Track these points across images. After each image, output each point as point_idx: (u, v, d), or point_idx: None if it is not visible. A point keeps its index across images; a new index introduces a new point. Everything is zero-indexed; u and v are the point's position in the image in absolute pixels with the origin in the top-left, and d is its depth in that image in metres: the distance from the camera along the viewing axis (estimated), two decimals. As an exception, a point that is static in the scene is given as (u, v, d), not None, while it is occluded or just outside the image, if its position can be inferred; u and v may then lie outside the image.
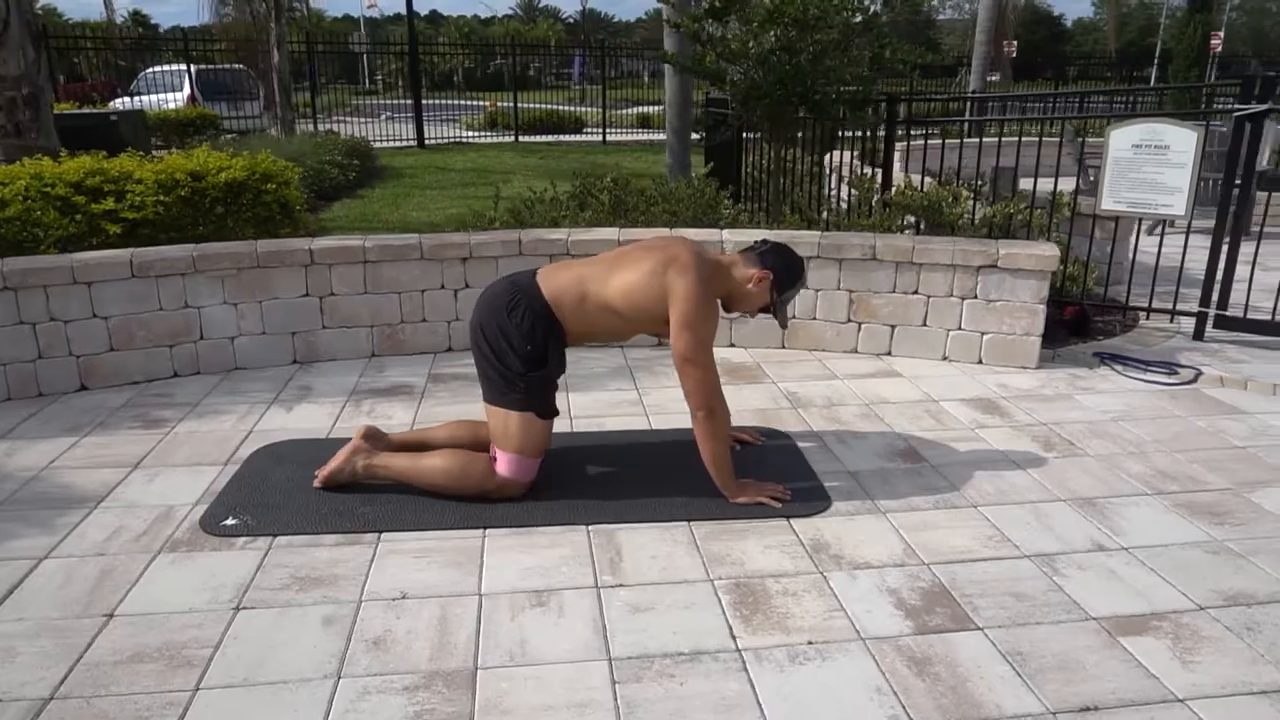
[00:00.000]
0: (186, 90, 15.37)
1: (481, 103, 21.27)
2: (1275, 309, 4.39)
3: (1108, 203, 4.66)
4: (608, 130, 17.46)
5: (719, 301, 2.80)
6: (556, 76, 37.90)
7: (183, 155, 4.67)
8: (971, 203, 4.92)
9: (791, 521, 2.67)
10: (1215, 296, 4.46)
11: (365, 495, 2.78)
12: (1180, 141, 4.38)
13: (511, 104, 18.20)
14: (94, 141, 9.47)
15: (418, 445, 2.94)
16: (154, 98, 15.09)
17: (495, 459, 2.74)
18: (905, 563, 2.45)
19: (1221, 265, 4.41)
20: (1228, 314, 4.46)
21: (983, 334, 4.09)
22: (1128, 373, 4.00)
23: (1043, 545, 2.54)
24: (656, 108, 20.65)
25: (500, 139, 17.14)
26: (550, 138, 17.35)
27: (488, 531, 2.60)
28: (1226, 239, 4.40)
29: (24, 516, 2.67)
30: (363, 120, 17.77)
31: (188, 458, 3.10)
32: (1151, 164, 4.47)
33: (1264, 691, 1.94)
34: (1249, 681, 1.97)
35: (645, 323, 2.77)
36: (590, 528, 2.62)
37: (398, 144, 15.33)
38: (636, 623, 2.17)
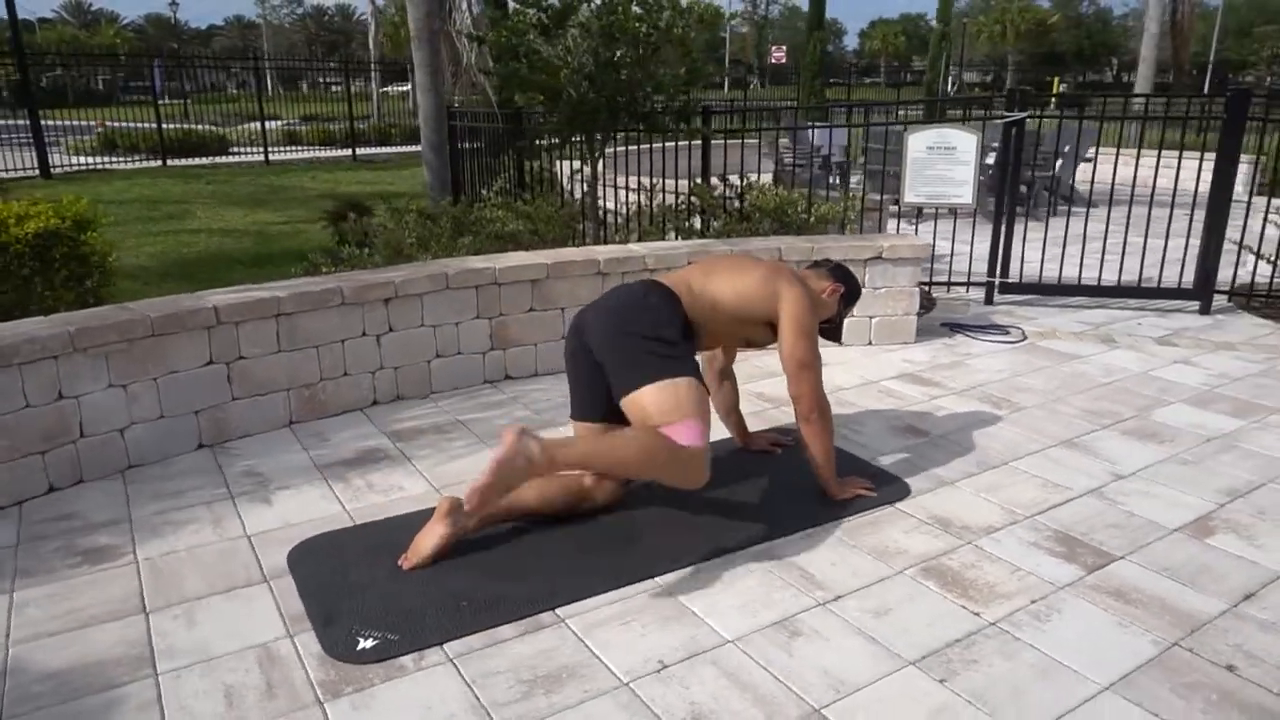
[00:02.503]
0: None
1: (82, 122, 18.01)
2: (1041, 273, 5.53)
3: (910, 196, 5.49)
4: (269, 150, 15.84)
5: None
6: (125, 89, 33.26)
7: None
8: (804, 203, 5.48)
9: (897, 507, 2.88)
10: (999, 268, 5.50)
11: (493, 575, 2.44)
12: (965, 143, 5.31)
13: (130, 124, 15.69)
14: None
15: (507, 511, 2.64)
16: None
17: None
18: (1016, 519, 2.79)
19: (1002, 243, 5.44)
20: (1009, 281, 5.52)
21: (871, 318, 4.63)
22: (978, 337, 4.79)
23: (1083, 483, 3.04)
24: (280, 122, 19.13)
25: (140, 164, 14.68)
26: (203, 160, 15.29)
27: (659, 581, 2.44)
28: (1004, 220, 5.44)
29: (68, 715, 1.94)
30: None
31: (206, 585, 2.44)
32: (943, 162, 5.36)
33: (1318, 553, 2.59)
34: (1305, 549, 2.61)
35: (747, 324, 2.81)
36: (748, 551, 2.59)
37: (14, 175, 12.42)
38: (892, 626, 2.23)
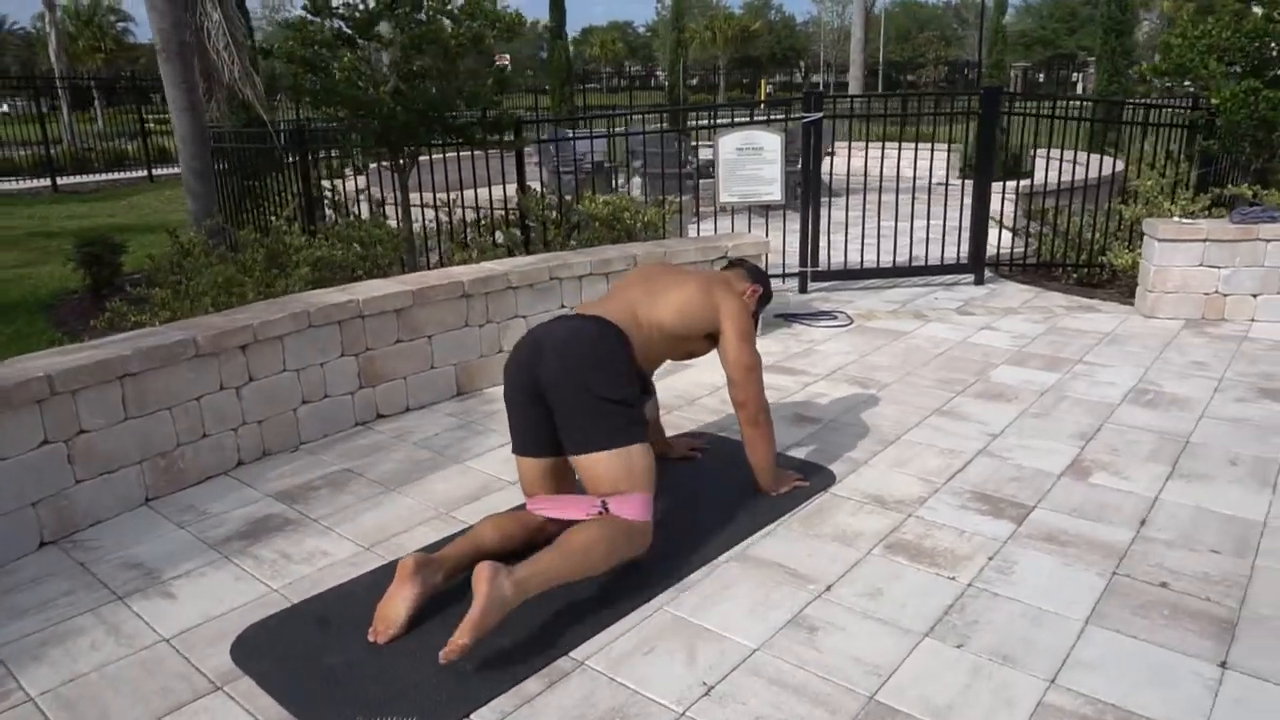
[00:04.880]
0: None
1: None
2: (846, 260, 6.03)
3: (724, 197, 5.78)
4: None
5: None
6: None
7: None
8: (632, 208, 5.55)
9: (831, 492, 3.02)
10: (809, 258, 5.92)
11: (507, 634, 2.25)
12: (770, 144, 5.68)
13: None
14: None
15: (471, 559, 2.44)
16: None
17: (611, 510, 2.42)
18: (935, 487, 3.04)
19: (810, 234, 5.86)
20: (819, 269, 5.97)
21: (722, 316, 4.80)
22: (813, 324, 5.14)
23: (970, 446, 3.37)
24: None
25: None
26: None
27: (657, 601, 2.39)
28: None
29: None
30: None
31: (146, 707, 2.02)
32: (752, 163, 5.69)
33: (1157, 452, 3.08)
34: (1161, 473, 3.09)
35: (690, 341, 2.84)
36: (723, 557, 2.60)
37: None
38: (891, 604, 2.35)
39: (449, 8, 5.08)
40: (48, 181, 13.96)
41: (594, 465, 2.46)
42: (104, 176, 15.74)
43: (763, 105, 9.41)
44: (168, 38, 6.53)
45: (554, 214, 5.75)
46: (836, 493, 3.02)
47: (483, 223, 6.02)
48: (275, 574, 2.59)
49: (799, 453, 3.35)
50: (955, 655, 2.14)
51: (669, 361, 3.81)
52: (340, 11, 4.96)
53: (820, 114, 5.66)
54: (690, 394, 4.04)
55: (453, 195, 5.98)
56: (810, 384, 4.13)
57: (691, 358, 3.05)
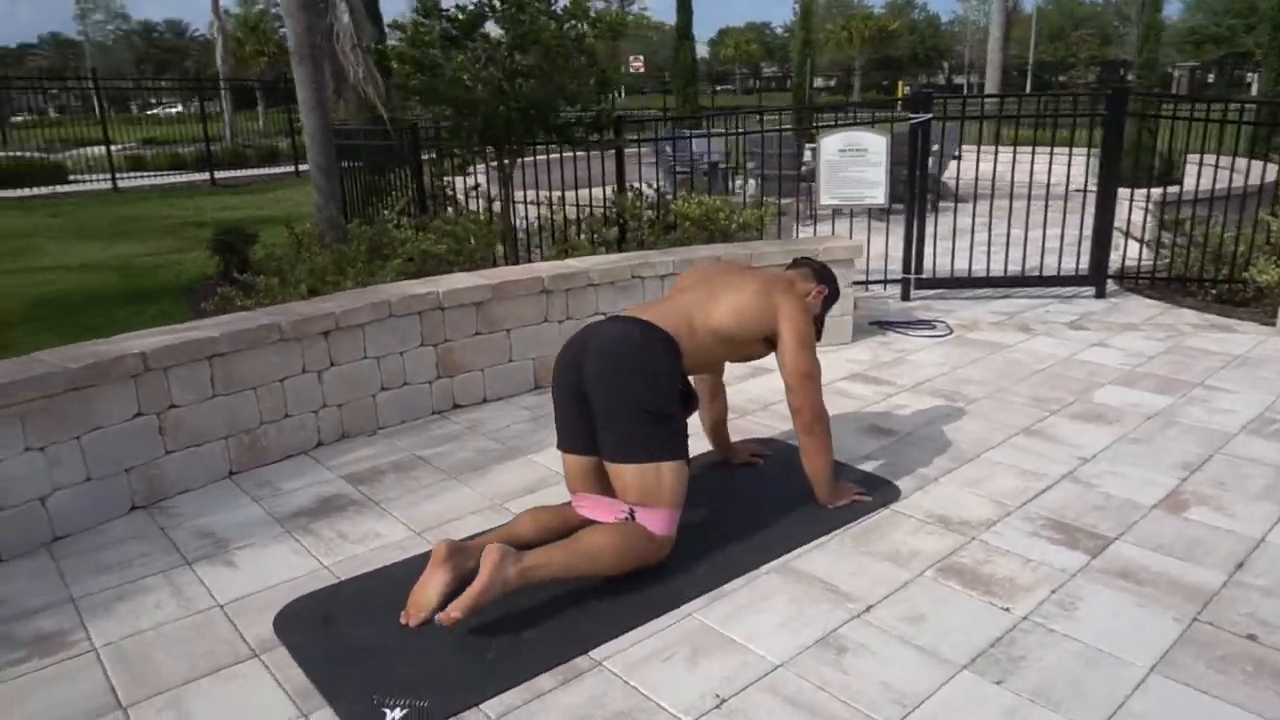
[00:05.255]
0: None
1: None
2: (953, 268, 5.77)
3: (825, 199, 5.62)
4: (116, 175, 14.63)
5: None
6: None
7: None
8: (726, 210, 5.49)
9: (893, 509, 2.89)
10: (914, 265, 5.68)
11: (511, 623, 2.27)
12: (875, 145, 5.48)
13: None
14: None
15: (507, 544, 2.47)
16: None
17: (636, 519, 2.43)
18: (1008, 510, 2.85)
19: (915, 240, 5.63)
20: (924, 276, 5.72)
21: (810, 321, 4.67)
22: (908, 333, 4.93)
23: (1056, 469, 3.15)
24: (116, 146, 17.85)
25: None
26: (41, 190, 13.94)
27: (686, 608, 2.34)
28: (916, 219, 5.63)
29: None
30: None
31: (187, 668, 2.15)
32: (855, 165, 5.51)
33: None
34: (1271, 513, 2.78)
35: (747, 345, 2.78)
36: (764, 569, 2.53)
37: None
38: (933, 631, 2.22)
39: (551, 8, 5.16)
40: (207, 175, 15.12)
41: (624, 474, 2.45)
42: (256, 171, 16.93)
43: (899, 105, 9.09)
44: (301, 41, 6.92)
45: (651, 214, 5.76)
46: (899, 509, 2.88)
47: (584, 221, 6.10)
48: (329, 551, 2.71)
49: (867, 465, 3.21)
50: (992, 692, 2.00)
51: (744, 365, 3.76)
52: (448, 13, 5.12)
53: (928, 115, 5.42)
54: (765, 399, 3.96)
55: (567, 194, 6.08)
56: (893, 395, 3.96)
57: (750, 360, 2.98)
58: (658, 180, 9.52)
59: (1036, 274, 5.71)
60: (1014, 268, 5.73)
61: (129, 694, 2.06)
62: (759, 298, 2.73)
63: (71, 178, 15.27)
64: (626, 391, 2.45)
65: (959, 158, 9.60)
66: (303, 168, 17.22)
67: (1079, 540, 2.65)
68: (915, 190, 5.55)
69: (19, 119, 23.89)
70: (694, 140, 10.88)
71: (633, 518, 2.44)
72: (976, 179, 5.93)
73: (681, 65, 14.78)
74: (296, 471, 3.30)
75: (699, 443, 3.34)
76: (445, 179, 6.84)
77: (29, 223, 11.11)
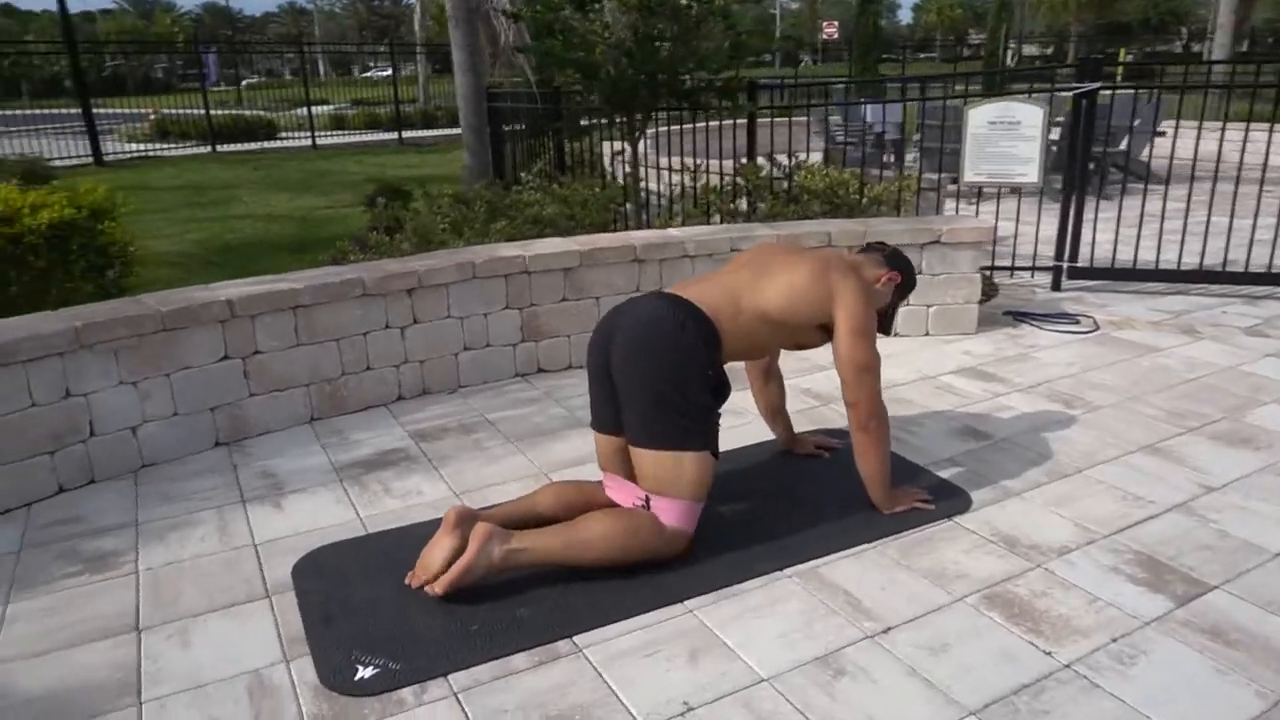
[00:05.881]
0: None
1: (137, 110, 18.32)
2: (1114, 257, 5.14)
3: (969, 175, 5.13)
4: (316, 134, 15.89)
5: None
6: (183, 78, 33.98)
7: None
8: (856, 183, 5.16)
9: (957, 521, 2.60)
10: (1067, 251, 5.11)
11: (508, 597, 2.24)
12: (1030, 117, 4.93)
13: (184, 110, 15.87)
14: None
15: (522, 520, 2.43)
16: None
17: (651, 508, 2.34)
18: (1092, 538, 2.49)
19: (1070, 224, 5.05)
20: (1079, 265, 5.14)
21: (928, 306, 4.31)
22: (1045, 327, 4.45)
23: (1170, 497, 2.72)
24: (330, 107, 19.24)
25: (190, 150, 14.87)
26: (251, 145, 15.42)
27: (689, 605, 2.22)
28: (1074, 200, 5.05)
29: (49, 743, 1.79)
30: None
31: (205, 600, 2.28)
32: (1006, 138, 4.99)
33: None
34: None
35: (799, 331, 2.56)
36: (787, 572, 2.35)
37: (70, 162, 12.65)
38: (951, 665, 1.97)
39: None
40: (396, 135, 16.07)
41: (643, 459, 2.35)
42: (444, 132, 17.77)
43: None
44: (457, 4, 7.16)
45: (783, 185, 5.50)
46: (963, 522, 2.59)
47: (724, 190, 5.93)
48: (369, 503, 2.78)
49: (946, 470, 2.91)
50: (995, 745, 1.75)
51: (806, 356, 3.53)
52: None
53: (1096, 85, 4.80)
54: (823, 392, 3.67)
55: (726, 162, 5.91)
56: (1002, 395, 3.57)
57: (802, 349, 2.76)
58: (825, 150, 9.15)
59: (1219, 268, 4.97)
60: (1198, 260, 5.01)
61: (148, 618, 2.21)
62: (815, 279, 2.50)
63: (281, 135, 16.70)
64: (650, 377, 2.32)
65: (1161, 134, 8.56)
66: (485, 129, 18.05)
67: (1167, 583, 2.27)
68: (1076, 168, 4.96)
69: (250, 80, 26.46)
70: (869, 109, 10.36)
71: (647, 506, 2.34)
72: (1170, 157, 5.21)
73: (863, 31, 14.05)
74: (370, 423, 3.42)
75: (759, 430, 3.18)
76: (589, 143, 6.86)
77: (233, 175, 12.26)
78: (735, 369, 3.53)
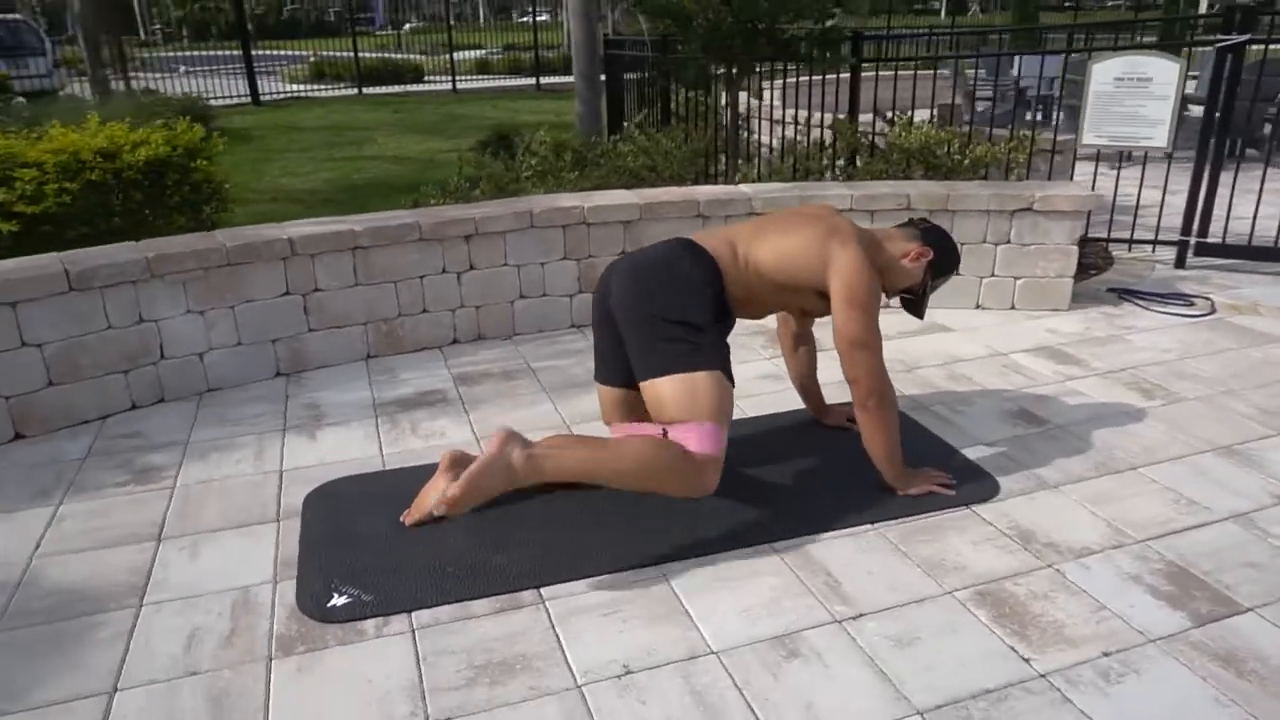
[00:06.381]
0: (-48, 47, 12.93)
1: (300, 53, 19.39)
2: (1252, 234, 4.60)
3: (1089, 137, 4.69)
4: (456, 78, 16.35)
5: None
6: (355, 21, 35.58)
7: (77, 129, 3.75)
8: (957, 143, 4.82)
9: (975, 509, 2.44)
10: (1196, 225, 4.61)
11: (490, 543, 2.29)
12: (1162, 73, 4.43)
13: (339, 53, 16.68)
14: None
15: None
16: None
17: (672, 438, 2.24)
18: (1121, 542, 2.28)
19: (1202, 195, 4.54)
20: (1208, 241, 4.63)
21: (1016, 279, 4.01)
22: (1152, 307, 4.05)
23: (1231, 504, 2.45)
24: (488, 52, 19.64)
25: (340, 91, 15.67)
26: (395, 88, 16.07)
27: (664, 569, 2.20)
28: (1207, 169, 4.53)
29: (50, 635, 2.00)
30: (157, 75, 15.67)
31: (223, 517, 2.46)
32: (1133, 97, 4.51)
33: None
34: None
35: (797, 294, 2.46)
36: (775, 545, 2.28)
37: (229, 101, 13.65)
38: (915, 660, 1.87)
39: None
40: (533, 80, 16.30)
41: (658, 390, 2.26)
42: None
43: None
44: (573, -51, 7.09)
45: (883, 141, 5.21)
46: (981, 511, 2.43)
47: (819, 146, 5.69)
48: (393, 441, 2.90)
49: (982, 453, 2.73)
50: (930, 749, 1.65)
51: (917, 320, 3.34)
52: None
53: (1245, 37, 4.25)
54: (913, 360, 3.49)
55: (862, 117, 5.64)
56: (1075, 379, 3.29)
57: (808, 315, 2.64)
58: (960, 106, 8.58)
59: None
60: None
61: (170, 529, 2.41)
62: (809, 245, 2.37)
63: (427, 78, 17.27)
64: (652, 311, 2.28)
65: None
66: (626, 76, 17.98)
67: (1191, 600, 2.06)
68: (1212, 132, 4.44)
69: (409, 25, 27.44)
70: (1021, 63, 9.62)
71: (665, 435, 2.27)
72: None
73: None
74: (420, 364, 3.54)
75: (793, 398, 3.08)
76: (712, 93, 6.70)
77: (373, 116, 12.81)
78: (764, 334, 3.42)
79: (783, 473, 2.63)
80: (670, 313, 2.27)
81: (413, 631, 1.99)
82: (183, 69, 17.25)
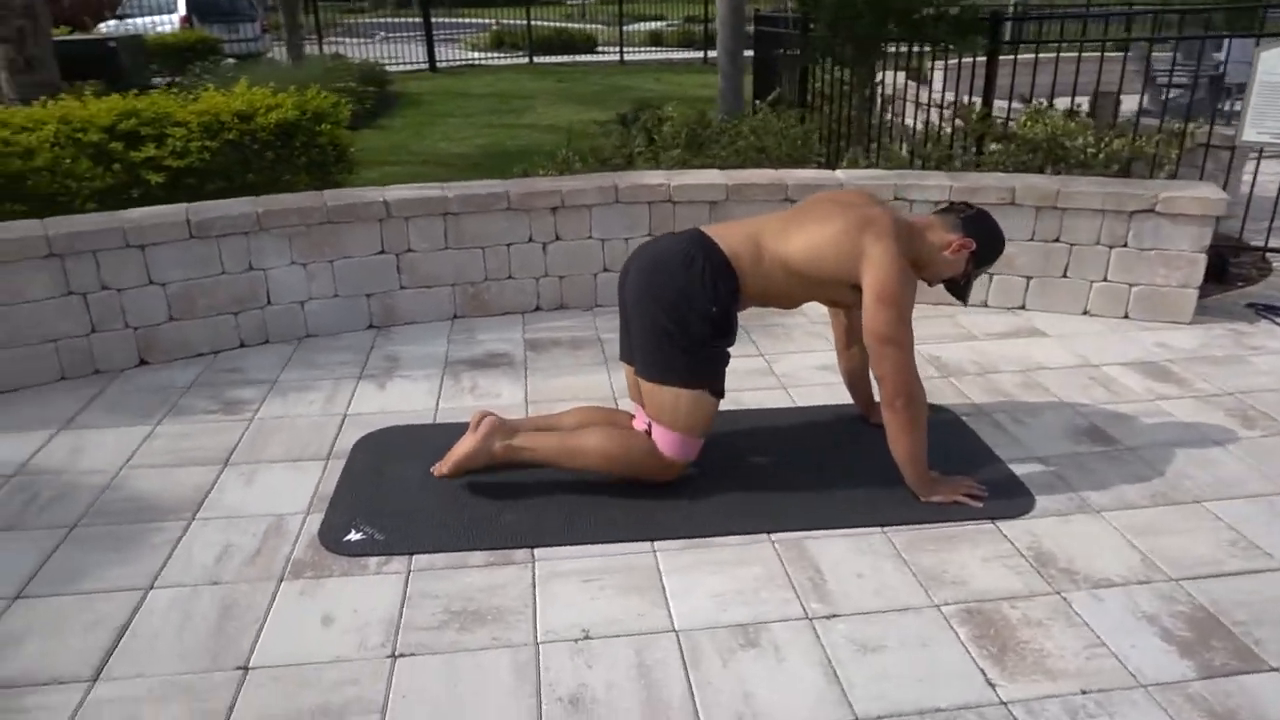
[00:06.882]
0: (180, 11, 14.47)
1: (485, 20, 20.26)
2: None
3: (1250, 133, 4.20)
4: (624, 49, 16.58)
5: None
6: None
7: (223, 93, 4.17)
8: (1091, 135, 4.46)
9: (999, 525, 2.33)
10: (1374, 238, 4.07)
11: (504, 501, 2.42)
12: (1348, 64, 3.91)
13: (519, 22, 17.29)
14: (92, 71, 8.82)
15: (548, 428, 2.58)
16: (144, 20, 14.22)
17: (651, 435, 2.40)
18: (1150, 578, 2.11)
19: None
20: (1387, 258, 4.07)
21: (1131, 285, 3.70)
22: (1294, 328, 3.63)
23: (1298, 552, 2.21)
24: (666, 24, 19.78)
25: (513, 60, 16.30)
26: (565, 58, 16.52)
27: (657, 545, 2.25)
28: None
29: (114, 535, 2.31)
30: (358, 41, 16.85)
31: (284, 451, 2.73)
32: (1310, 90, 4.01)
33: None
34: None
35: (826, 287, 2.41)
36: (774, 537, 2.28)
37: (409, 67, 14.53)
38: (872, 667, 1.84)
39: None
40: (703, 54, 16.24)
41: (646, 390, 2.41)
42: (748, 53, 17.63)
43: None
44: (722, -78, 7.03)
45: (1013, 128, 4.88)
46: (1004, 527, 2.31)
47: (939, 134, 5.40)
48: (450, 397, 3.08)
49: (1026, 468, 2.58)
50: (853, 756, 1.63)
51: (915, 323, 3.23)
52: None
53: None
54: (989, 363, 3.31)
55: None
56: (1167, 399, 3.02)
57: (838, 306, 2.57)
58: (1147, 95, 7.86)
59: None
60: None
61: (237, 456, 2.70)
62: (842, 237, 2.31)
63: (599, 49, 17.60)
64: (652, 311, 2.33)
65: None
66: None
67: (1208, 650, 1.89)
68: (1402, 133, 3.87)
69: (592, -4, 27.92)
70: (1231, 46, 8.67)
71: (649, 432, 2.42)
72: None
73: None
74: (499, 327, 3.72)
75: (844, 393, 3.02)
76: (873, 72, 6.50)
77: (539, 85, 13.23)
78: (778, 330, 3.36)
79: (807, 466, 2.60)
80: (672, 325, 2.32)
81: (408, 573, 2.15)
82: (380, 35, 18.45)
